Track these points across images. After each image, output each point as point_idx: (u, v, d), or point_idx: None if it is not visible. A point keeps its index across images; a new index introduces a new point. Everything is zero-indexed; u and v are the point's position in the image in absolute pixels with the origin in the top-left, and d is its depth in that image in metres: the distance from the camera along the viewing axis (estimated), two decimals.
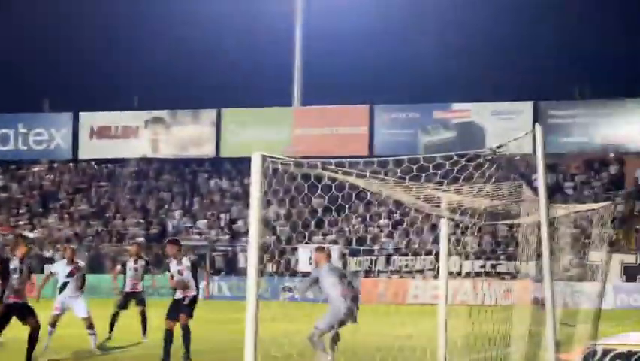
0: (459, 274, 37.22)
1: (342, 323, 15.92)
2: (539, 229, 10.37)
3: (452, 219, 15.98)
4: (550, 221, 10.70)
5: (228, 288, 43.74)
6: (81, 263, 20.13)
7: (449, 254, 17.34)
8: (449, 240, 16.80)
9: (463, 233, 15.72)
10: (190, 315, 17.74)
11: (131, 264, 22.23)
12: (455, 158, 10.81)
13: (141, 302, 22.13)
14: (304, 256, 43.12)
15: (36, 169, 59.63)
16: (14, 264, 16.01)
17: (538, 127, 10.09)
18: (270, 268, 37.79)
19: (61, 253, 24.26)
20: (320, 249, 17.29)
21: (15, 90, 65.87)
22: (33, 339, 16.22)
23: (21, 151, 58.25)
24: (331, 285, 15.87)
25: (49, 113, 61.50)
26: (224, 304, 37.78)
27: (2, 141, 58.05)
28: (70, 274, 19.30)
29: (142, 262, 22.48)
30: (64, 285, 19.27)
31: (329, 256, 16.65)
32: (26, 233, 49.36)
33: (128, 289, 22.06)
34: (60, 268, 19.55)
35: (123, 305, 22.01)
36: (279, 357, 12.96)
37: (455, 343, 15.30)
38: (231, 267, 46.29)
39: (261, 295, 11.83)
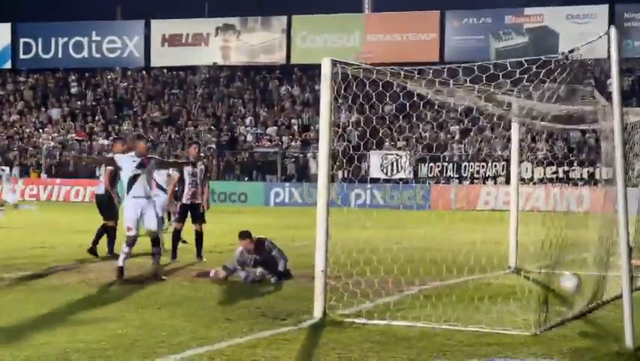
0: (530, 180, 37.09)
1: None
2: (613, 134, 10.25)
3: (523, 125, 15.86)
4: (625, 127, 10.55)
5: (300, 195, 44.08)
6: None
7: (520, 160, 17.26)
8: (520, 146, 16.72)
9: (534, 139, 15.60)
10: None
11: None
12: (527, 64, 10.68)
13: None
14: (375, 163, 43.20)
15: (110, 77, 60.20)
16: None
17: (612, 30, 9.90)
18: (341, 174, 37.92)
19: None
20: None
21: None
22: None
23: (95, 59, 58.76)
24: None
25: (121, 20, 61.84)
26: (296, 210, 38.14)
27: (76, 49, 58.59)
28: None
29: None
30: None
31: None
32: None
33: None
34: None
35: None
36: (349, 263, 13.12)
37: (526, 249, 15.33)
38: (302, 174, 46.56)
39: (332, 202, 11.97)
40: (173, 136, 51.42)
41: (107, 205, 18.50)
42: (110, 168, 18.14)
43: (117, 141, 19.67)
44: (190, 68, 58.77)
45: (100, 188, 18.87)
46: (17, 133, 54.03)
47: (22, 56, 59.41)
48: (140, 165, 15.25)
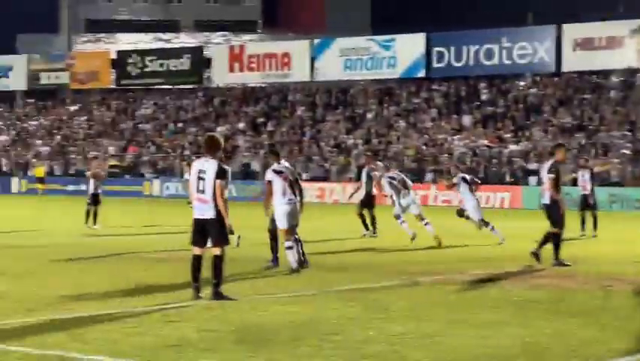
0: None
1: None
2: None
3: None
4: None
5: None
6: None
7: None
8: None
9: None
10: None
11: None
12: None
13: None
14: None
15: (520, 83, 60.21)
16: None
17: None
18: None
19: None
20: None
21: (499, 5, 66.87)
22: None
23: (505, 65, 59.02)
24: None
25: (532, 26, 61.56)
26: None
27: (487, 56, 59.17)
28: None
29: None
30: None
31: None
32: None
33: None
34: None
35: None
36: None
37: None
38: None
39: None
40: (583, 142, 50.43)
41: (554, 213, 18.18)
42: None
43: None
44: (602, 72, 57.33)
45: (544, 198, 18.45)
46: (430, 139, 55.54)
47: (435, 65, 60.94)
48: None
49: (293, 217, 16.76)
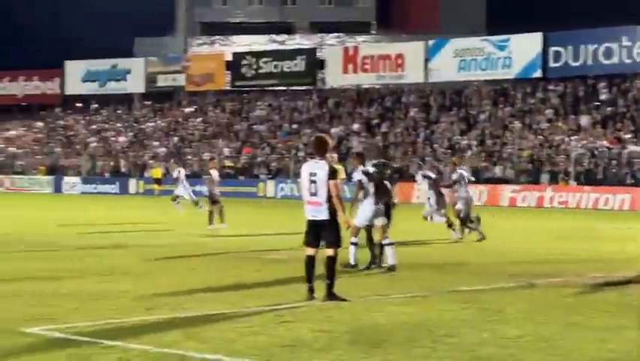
0: None
1: None
2: None
3: None
4: None
5: None
6: None
7: None
8: None
9: None
10: None
11: None
12: None
13: None
14: None
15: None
16: None
17: None
18: None
19: None
20: None
21: (618, 3, 65.39)
22: None
23: (625, 64, 57.72)
24: None
25: None
26: None
27: (606, 55, 57.97)
28: None
29: None
30: None
31: None
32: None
33: None
34: None
35: None
36: None
37: None
38: None
39: None
40: None
41: None
42: None
43: None
44: None
45: None
46: (546, 140, 54.70)
47: (551, 65, 60.02)
48: None
49: (376, 217, 17.05)
